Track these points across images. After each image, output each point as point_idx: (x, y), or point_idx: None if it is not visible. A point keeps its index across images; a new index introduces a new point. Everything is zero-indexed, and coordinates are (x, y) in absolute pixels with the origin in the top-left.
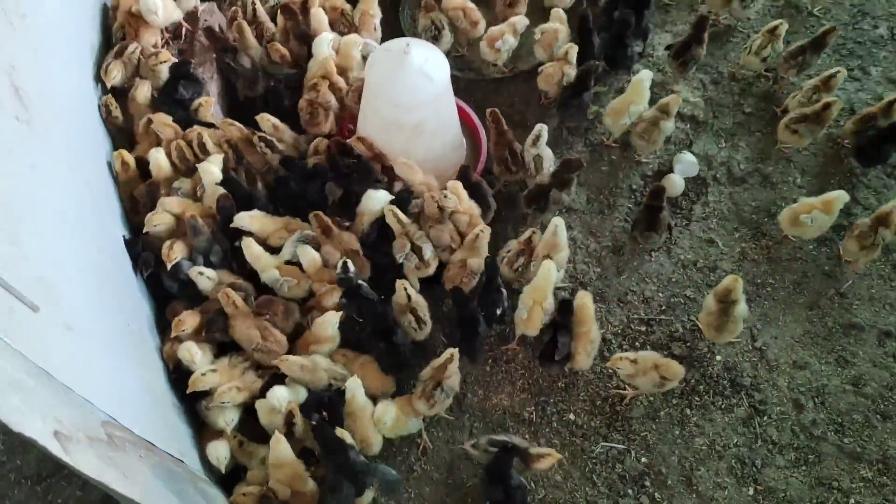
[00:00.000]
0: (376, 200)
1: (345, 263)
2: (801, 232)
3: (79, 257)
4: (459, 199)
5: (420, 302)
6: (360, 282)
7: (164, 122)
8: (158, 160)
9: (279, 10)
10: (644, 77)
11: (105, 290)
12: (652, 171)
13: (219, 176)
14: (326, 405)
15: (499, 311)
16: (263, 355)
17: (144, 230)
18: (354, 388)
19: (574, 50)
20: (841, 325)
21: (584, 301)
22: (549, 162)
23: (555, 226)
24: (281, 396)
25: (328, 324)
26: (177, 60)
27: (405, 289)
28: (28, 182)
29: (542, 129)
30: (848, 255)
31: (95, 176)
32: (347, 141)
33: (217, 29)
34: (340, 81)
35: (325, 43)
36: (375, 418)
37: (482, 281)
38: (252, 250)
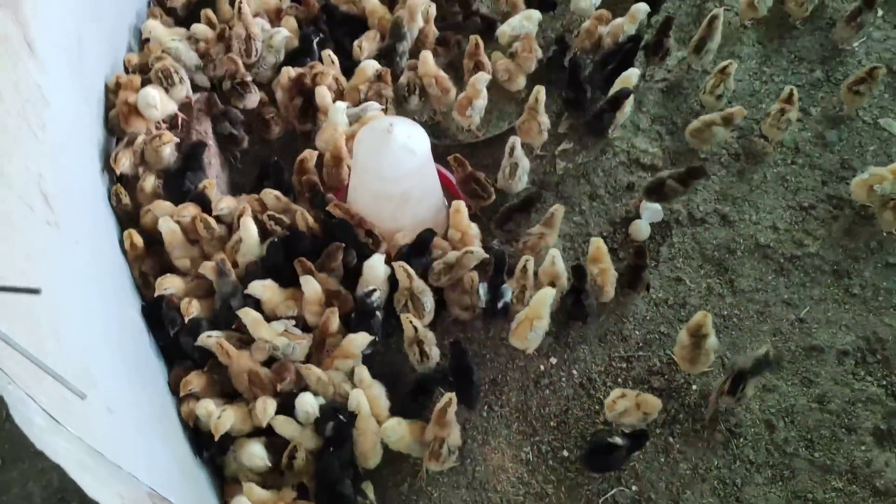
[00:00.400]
0: (377, 267)
1: (372, 291)
2: (872, 199)
3: (108, 341)
4: (462, 216)
5: (428, 336)
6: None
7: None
8: (169, 226)
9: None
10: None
11: (130, 368)
12: (620, 218)
13: (255, 234)
14: (342, 412)
15: (500, 305)
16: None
17: (156, 294)
18: (359, 399)
19: (542, 94)
20: (803, 349)
21: (599, 244)
22: (524, 171)
23: (552, 256)
24: (310, 402)
25: (358, 343)
26: (178, 142)
27: (411, 321)
28: (62, 279)
29: (515, 140)
30: (888, 226)
31: (110, 260)
32: (327, 208)
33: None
34: (348, 158)
35: (341, 112)
36: (383, 428)
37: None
38: (250, 317)
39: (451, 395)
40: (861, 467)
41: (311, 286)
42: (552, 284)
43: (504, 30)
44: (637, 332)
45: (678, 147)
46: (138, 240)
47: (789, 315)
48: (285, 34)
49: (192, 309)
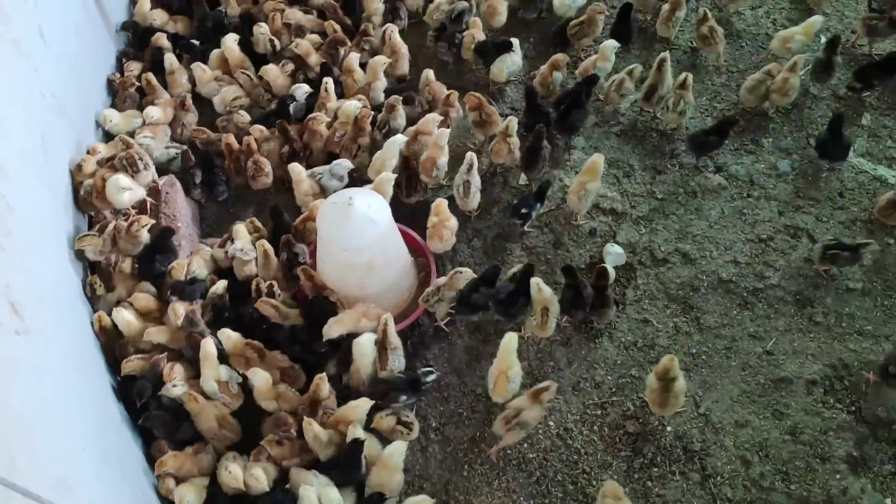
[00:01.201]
0: (367, 345)
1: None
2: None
3: (86, 440)
4: (441, 212)
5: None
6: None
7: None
8: (125, 317)
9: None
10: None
11: (111, 462)
12: (585, 264)
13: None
14: None
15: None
16: (218, 442)
17: (122, 374)
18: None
19: (514, 122)
20: (772, 381)
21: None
22: (476, 188)
23: (536, 284)
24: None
25: (360, 409)
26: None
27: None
28: (34, 388)
29: (472, 156)
30: None
31: (85, 351)
32: (298, 271)
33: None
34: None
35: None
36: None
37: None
38: (205, 349)
39: None
40: (837, 496)
41: (260, 377)
42: (545, 310)
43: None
44: (609, 378)
45: (636, 189)
46: (107, 321)
47: (756, 348)
48: (306, 89)
49: (175, 374)
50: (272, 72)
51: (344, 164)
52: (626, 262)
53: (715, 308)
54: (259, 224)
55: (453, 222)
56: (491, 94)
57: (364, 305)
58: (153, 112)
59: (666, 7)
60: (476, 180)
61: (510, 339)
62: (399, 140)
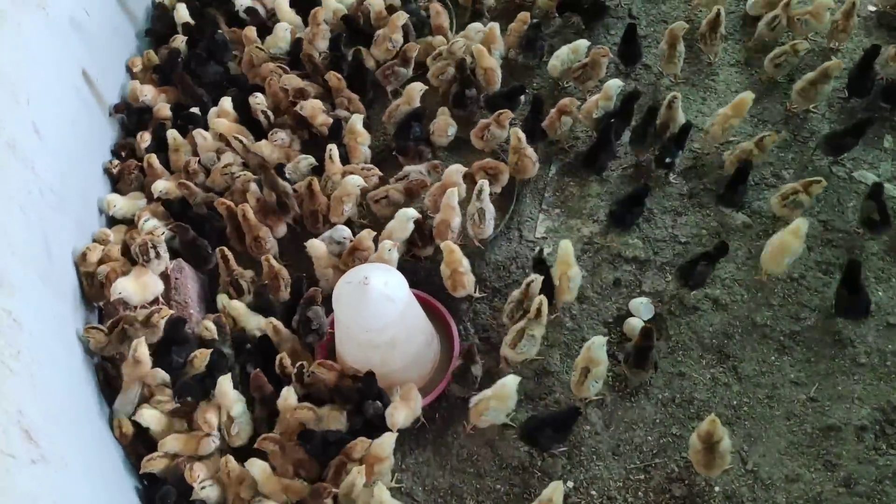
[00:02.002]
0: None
1: None
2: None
3: None
4: (453, 252)
5: None
6: None
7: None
8: (146, 416)
9: None
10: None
11: None
12: (612, 318)
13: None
14: None
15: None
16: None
17: (141, 472)
18: None
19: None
20: (819, 429)
21: (745, 97)
22: (490, 215)
23: (592, 345)
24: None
25: (386, 444)
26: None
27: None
28: None
29: (483, 184)
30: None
31: (109, 462)
32: (312, 371)
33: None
34: None
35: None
36: None
37: None
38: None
39: None
40: None
41: (257, 468)
42: (585, 370)
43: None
44: (650, 438)
45: (658, 234)
46: (128, 427)
47: (799, 395)
48: (310, 161)
49: (197, 472)
50: (265, 149)
51: (342, 231)
52: (656, 311)
53: (752, 355)
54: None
55: (466, 263)
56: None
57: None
58: (161, 185)
59: (664, 47)
60: (490, 207)
61: (511, 382)
62: (410, 214)
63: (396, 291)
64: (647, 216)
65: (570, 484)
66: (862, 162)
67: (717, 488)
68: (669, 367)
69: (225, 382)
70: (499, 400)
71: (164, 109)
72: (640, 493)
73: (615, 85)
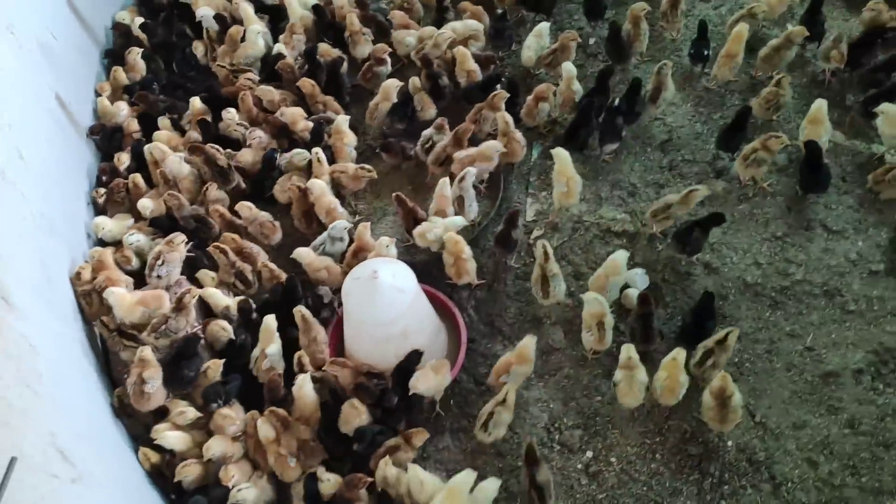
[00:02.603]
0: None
1: None
2: None
3: None
4: (457, 243)
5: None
6: None
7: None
8: (170, 438)
9: None
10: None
11: None
12: None
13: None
14: None
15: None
16: None
17: (176, 479)
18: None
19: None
20: (819, 377)
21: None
22: (471, 200)
23: (594, 298)
24: None
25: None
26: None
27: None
28: None
29: (468, 171)
30: None
31: (133, 482)
32: (325, 371)
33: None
34: None
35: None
36: None
37: None
38: None
39: None
40: None
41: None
42: (601, 324)
43: None
44: (659, 404)
45: (644, 207)
46: (154, 456)
47: (797, 346)
48: (305, 156)
49: (232, 472)
50: (248, 155)
51: (339, 225)
52: (651, 281)
53: (747, 314)
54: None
55: (469, 250)
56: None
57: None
58: (148, 203)
59: (628, 27)
60: (470, 194)
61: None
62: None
63: (405, 282)
64: (631, 190)
65: (590, 454)
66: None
67: (729, 443)
68: (670, 332)
69: (270, 320)
70: (521, 361)
71: (132, 124)
72: (657, 455)
73: (568, 67)
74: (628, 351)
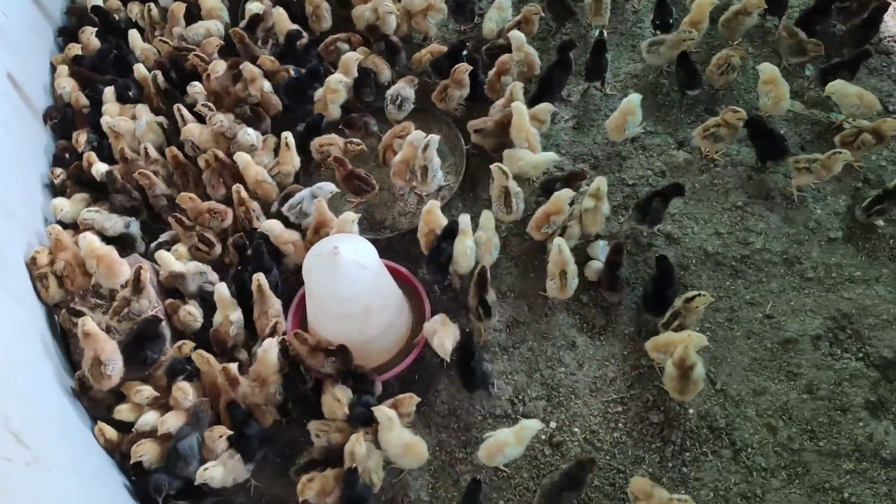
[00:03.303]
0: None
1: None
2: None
3: None
4: (433, 212)
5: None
6: None
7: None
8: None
9: None
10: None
11: None
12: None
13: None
14: None
15: None
16: None
17: (132, 461)
18: None
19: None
20: (778, 343)
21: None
22: (436, 169)
23: (557, 245)
24: None
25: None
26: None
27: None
28: None
29: (431, 138)
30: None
31: (95, 458)
32: (286, 340)
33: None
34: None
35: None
36: None
37: None
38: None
39: None
40: (865, 443)
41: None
42: (563, 273)
43: None
44: (622, 372)
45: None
46: (110, 432)
47: (756, 314)
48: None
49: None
50: (196, 130)
51: (327, 187)
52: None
53: (708, 283)
54: None
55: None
56: None
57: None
58: (101, 168)
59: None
60: (435, 163)
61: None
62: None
63: (367, 258)
64: (594, 163)
65: (553, 424)
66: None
67: (690, 410)
68: (632, 303)
69: (222, 289)
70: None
71: (80, 98)
72: (619, 425)
73: (516, 35)
74: (599, 183)
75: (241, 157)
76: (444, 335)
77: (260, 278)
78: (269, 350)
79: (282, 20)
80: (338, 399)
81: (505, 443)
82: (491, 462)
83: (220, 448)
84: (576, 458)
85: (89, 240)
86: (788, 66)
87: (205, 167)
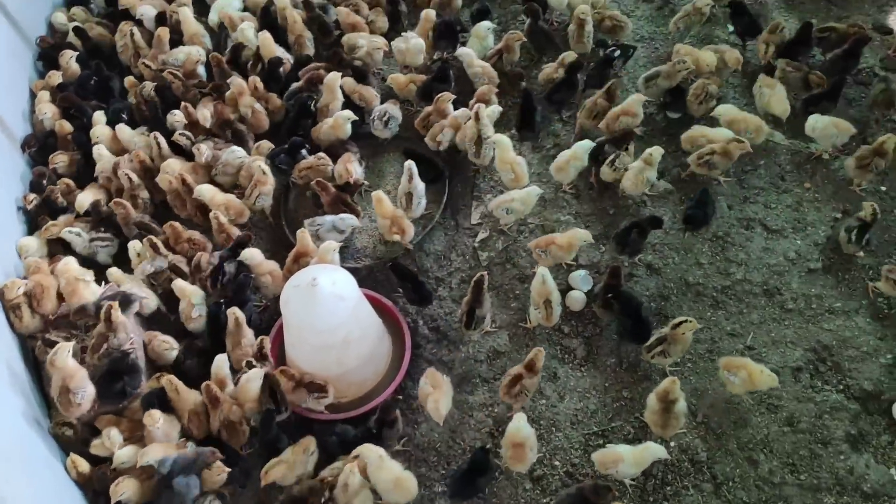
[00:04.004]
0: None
1: None
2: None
3: None
4: (381, 201)
5: None
6: None
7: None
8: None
9: None
10: None
11: None
12: None
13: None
14: None
15: None
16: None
17: (113, 501)
18: None
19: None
20: None
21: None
22: (420, 197)
23: (541, 275)
24: None
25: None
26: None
27: None
28: None
29: (410, 164)
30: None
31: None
32: (273, 375)
33: None
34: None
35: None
36: None
37: None
38: None
39: None
40: (845, 476)
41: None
42: (548, 302)
43: None
44: (603, 404)
45: (587, 209)
46: (83, 465)
47: (737, 345)
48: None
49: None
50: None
51: (349, 220)
52: (595, 283)
53: (689, 313)
54: None
55: (400, 211)
56: None
57: None
58: (85, 199)
59: (573, 28)
60: (419, 189)
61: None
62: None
63: (345, 289)
64: (575, 193)
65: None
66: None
67: (672, 443)
68: (612, 334)
69: (180, 283)
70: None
71: (65, 125)
72: None
73: (485, 26)
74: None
75: (204, 191)
76: (438, 397)
77: (237, 312)
78: (252, 380)
79: (267, 45)
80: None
81: (621, 458)
82: (604, 470)
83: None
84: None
85: (66, 264)
86: (797, 99)
87: (168, 189)
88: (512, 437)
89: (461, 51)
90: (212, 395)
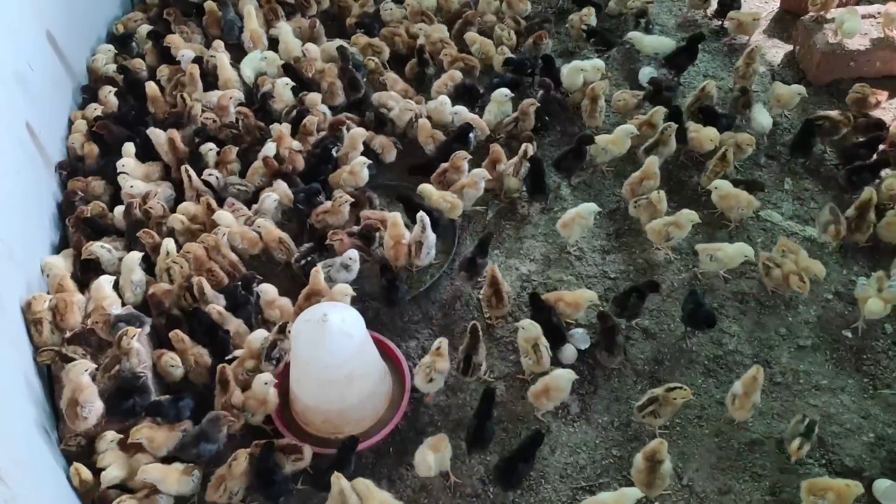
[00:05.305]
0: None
1: None
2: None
3: None
4: (397, 225)
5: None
6: None
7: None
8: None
9: None
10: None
11: None
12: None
13: None
14: None
15: None
16: None
17: None
18: None
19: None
20: (745, 444)
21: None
22: (429, 247)
23: (520, 326)
24: None
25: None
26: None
27: None
28: None
29: (422, 216)
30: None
31: None
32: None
33: None
34: None
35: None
36: None
37: None
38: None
39: None
40: None
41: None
42: (536, 346)
43: None
44: (593, 461)
45: (590, 271)
46: (86, 474)
47: (725, 414)
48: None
49: None
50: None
51: (352, 254)
52: (592, 342)
53: (680, 379)
54: None
55: (408, 234)
56: None
57: None
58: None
59: (586, 103)
60: (429, 240)
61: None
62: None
63: (353, 328)
64: (579, 254)
65: None
66: (767, 202)
67: (656, 503)
68: (607, 393)
69: (130, 258)
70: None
71: (93, 150)
72: None
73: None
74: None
75: (223, 217)
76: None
77: (226, 369)
78: (268, 384)
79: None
80: None
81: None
82: None
83: None
84: None
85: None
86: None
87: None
88: None
89: (440, 98)
90: (224, 378)
